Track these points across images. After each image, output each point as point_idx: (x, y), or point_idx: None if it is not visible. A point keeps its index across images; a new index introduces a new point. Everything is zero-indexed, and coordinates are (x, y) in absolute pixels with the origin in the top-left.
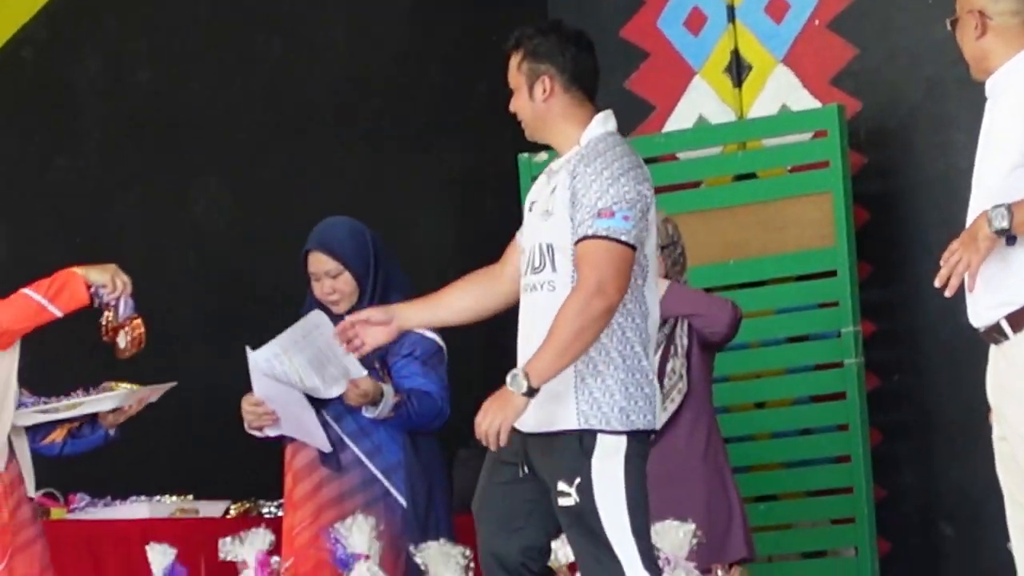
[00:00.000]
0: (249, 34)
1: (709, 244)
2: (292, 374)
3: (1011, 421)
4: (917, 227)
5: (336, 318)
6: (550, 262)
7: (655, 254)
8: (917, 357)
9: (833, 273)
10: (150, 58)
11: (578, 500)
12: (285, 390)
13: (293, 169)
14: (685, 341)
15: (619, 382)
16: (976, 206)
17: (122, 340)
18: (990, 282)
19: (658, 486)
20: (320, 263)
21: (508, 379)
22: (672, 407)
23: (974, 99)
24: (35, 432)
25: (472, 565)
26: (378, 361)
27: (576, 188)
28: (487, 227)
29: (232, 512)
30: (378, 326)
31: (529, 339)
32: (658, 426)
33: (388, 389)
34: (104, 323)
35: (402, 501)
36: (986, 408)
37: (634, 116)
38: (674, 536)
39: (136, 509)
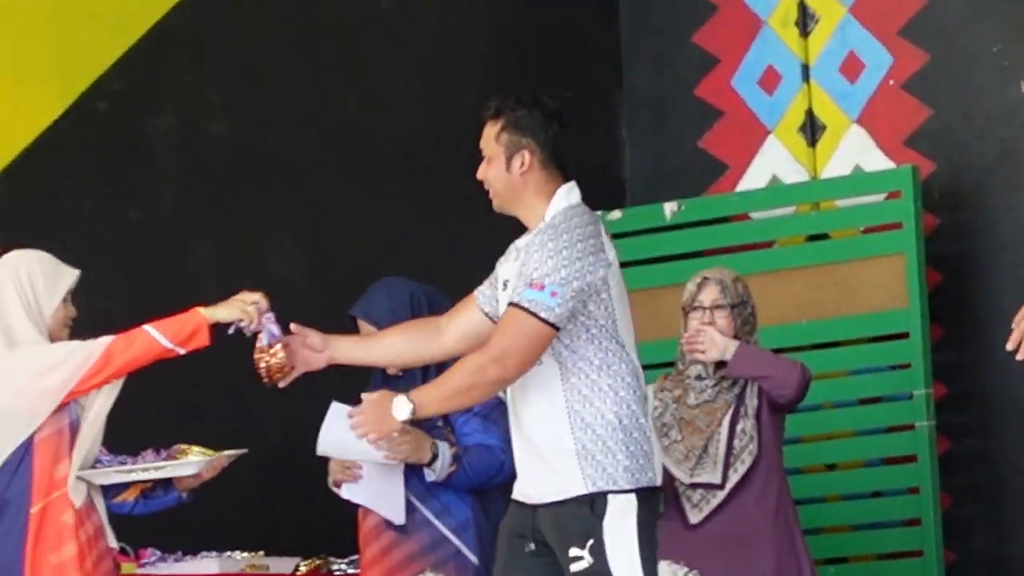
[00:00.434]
0: (323, 86)
1: (781, 304)
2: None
3: None
4: (990, 289)
5: (392, 380)
6: None
7: (625, 312)
8: (989, 420)
9: (905, 335)
10: (224, 110)
11: (592, 562)
12: (355, 448)
13: (366, 221)
14: (755, 402)
15: (619, 443)
16: None
17: (263, 369)
18: None
19: (728, 547)
20: (364, 330)
21: (395, 401)
22: (743, 468)
23: None
24: (107, 489)
25: None
26: (441, 419)
27: (525, 258)
28: None
29: (302, 568)
30: (312, 351)
31: (517, 410)
32: (659, 482)
33: (443, 446)
34: (257, 355)
35: (473, 559)
36: None
37: (707, 175)
38: None
39: (206, 565)
